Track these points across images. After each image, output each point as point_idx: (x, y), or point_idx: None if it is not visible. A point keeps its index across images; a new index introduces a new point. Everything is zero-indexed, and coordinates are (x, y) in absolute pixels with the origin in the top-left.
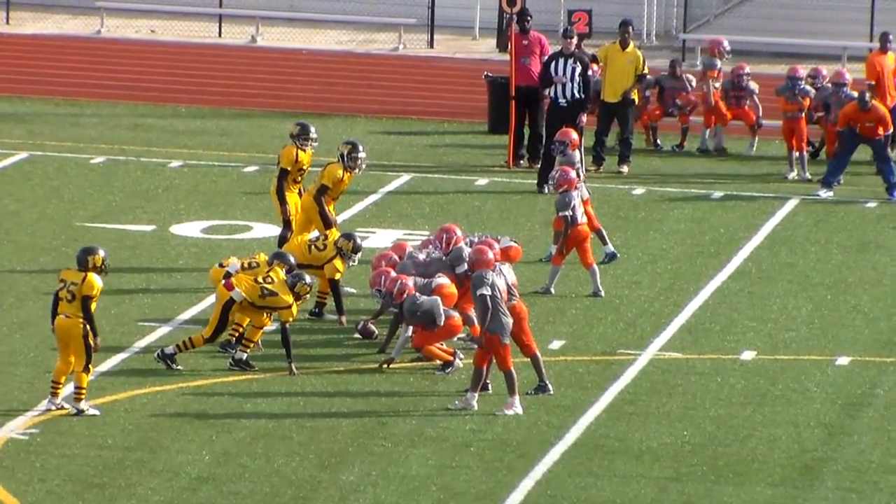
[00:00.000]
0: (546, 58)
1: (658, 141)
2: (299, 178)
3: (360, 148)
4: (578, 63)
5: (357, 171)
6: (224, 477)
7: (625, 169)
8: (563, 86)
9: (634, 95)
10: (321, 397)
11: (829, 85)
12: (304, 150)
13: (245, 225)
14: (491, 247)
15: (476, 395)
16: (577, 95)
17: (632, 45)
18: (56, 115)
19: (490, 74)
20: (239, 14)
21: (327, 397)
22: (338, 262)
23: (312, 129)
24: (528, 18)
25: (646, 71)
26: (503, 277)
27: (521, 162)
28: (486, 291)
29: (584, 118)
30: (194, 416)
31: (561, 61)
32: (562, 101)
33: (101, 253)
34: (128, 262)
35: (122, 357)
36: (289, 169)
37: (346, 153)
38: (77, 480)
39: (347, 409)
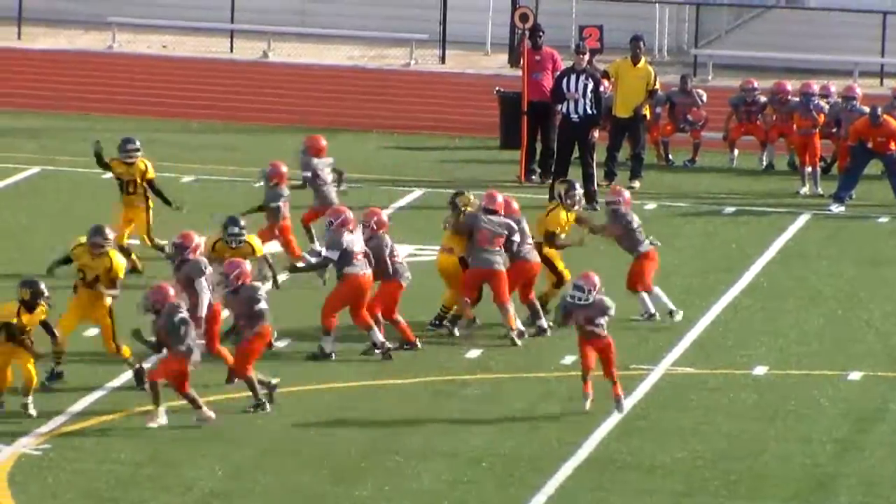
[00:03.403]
0: (558, 73)
1: (670, 156)
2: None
3: (576, 185)
4: (590, 79)
5: (576, 207)
6: (236, 492)
7: (636, 184)
8: (575, 101)
9: (646, 111)
10: (333, 412)
11: (840, 100)
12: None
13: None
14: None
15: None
16: (589, 111)
17: (643, 60)
18: (68, 129)
19: (502, 90)
20: (250, 29)
21: (339, 412)
22: None
23: (134, 142)
24: (541, 34)
25: (657, 86)
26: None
27: (533, 177)
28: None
29: (596, 134)
30: (206, 430)
31: (573, 77)
32: (574, 116)
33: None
34: (140, 276)
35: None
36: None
37: (563, 192)
38: (89, 496)
39: (360, 424)
